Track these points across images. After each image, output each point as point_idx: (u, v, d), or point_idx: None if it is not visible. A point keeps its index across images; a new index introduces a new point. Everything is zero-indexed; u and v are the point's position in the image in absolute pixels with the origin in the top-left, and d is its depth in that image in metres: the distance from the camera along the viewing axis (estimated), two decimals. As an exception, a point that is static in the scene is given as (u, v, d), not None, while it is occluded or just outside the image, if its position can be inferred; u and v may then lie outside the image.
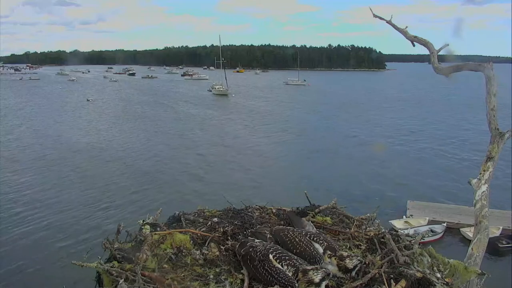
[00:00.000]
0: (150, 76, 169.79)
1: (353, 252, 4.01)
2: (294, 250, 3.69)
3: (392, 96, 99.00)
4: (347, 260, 3.56)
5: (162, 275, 3.56)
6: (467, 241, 18.85)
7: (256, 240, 3.92)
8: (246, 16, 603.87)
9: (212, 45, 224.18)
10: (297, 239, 3.79)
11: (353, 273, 3.57)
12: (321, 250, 3.69)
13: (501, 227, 23.09)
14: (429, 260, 3.95)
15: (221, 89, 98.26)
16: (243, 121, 63.02)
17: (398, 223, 23.22)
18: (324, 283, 3.28)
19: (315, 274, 3.27)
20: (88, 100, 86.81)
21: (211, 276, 3.64)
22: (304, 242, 3.75)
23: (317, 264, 3.52)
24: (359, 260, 3.59)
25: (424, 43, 6.03)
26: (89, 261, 3.65)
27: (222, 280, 3.59)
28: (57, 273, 18.12)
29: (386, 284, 3.47)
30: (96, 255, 3.77)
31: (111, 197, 28.66)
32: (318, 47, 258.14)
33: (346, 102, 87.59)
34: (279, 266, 3.39)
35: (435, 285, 3.52)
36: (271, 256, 3.46)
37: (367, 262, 3.78)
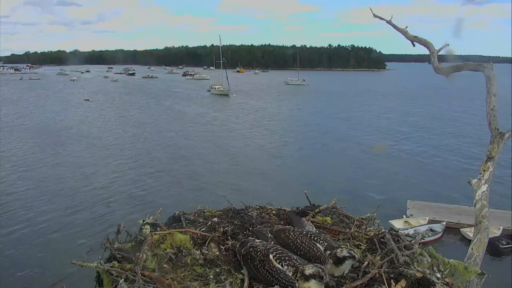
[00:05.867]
0: (150, 76, 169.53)
1: (348, 247, 4.01)
2: (298, 252, 3.67)
3: (391, 95, 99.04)
4: (338, 250, 3.58)
5: (162, 275, 3.56)
6: (467, 241, 18.87)
7: (257, 240, 3.92)
8: (246, 16, 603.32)
9: (212, 45, 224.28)
10: (298, 240, 3.79)
11: (345, 263, 3.55)
12: (322, 250, 3.69)
13: (501, 227, 23.10)
14: (429, 260, 3.95)
15: (221, 89, 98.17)
16: (243, 120, 63.06)
17: (398, 223, 23.21)
18: (314, 281, 3.21)
19: (308, 268, 3.25)
20: (86, 100, 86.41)
21: (211, 276, 3.64)
22: (307, 243, 3.74)
23: (322, 265, 3.49)
24: (349, 252, 3.57)
25: (424, 43, 6.05)
26: (89, 261, 3.65)
27: (222, 280, 3.58)
28: (57, 273, 18.12)
29: (386, 284, 3.46)
30: (96, 255, 3.77)
31: (111, 197, 28.65)
32: (318, 47, 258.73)
33: (345, 101, 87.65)
34: (279, 266, 3.39)
35: (435, 285, 3.52)
36: (271, 256, 3.45)
37: (367, 262, 3.79)
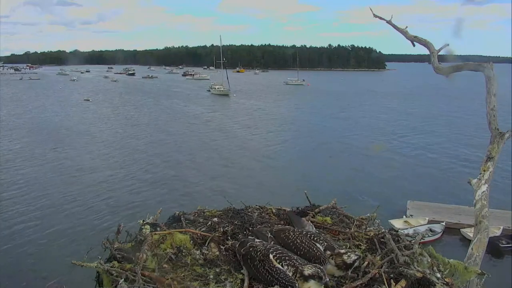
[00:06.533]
0: (150, 76, 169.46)
1: (349, 249, 4.01)
2: (298, 252, 3.67)
3: (391, 95, 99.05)
4: (345, 257, 3.56)
5: (162, 275, 3.56)
6: (467, 241, 18.85)
7: (256, 240, 3.92)
8: (246, 16, 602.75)
9: (212, 45, 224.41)
10: (298, 240, 3.79)
11: (353, 268, 3.57)
12: (322, 250, 3.69)
13: (501, 227, 23.10)
14: (429, 260, 3.95)
15: (221, 89, 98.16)
16: (243, 120, 63.09)
17: (397, 223, 23.22)
18: (313, 281, 3.22)
19: (307, 268, 3.25)
20: (86, 100, 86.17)
21: (211, 276, 3.64)
22: (306, 243, 3.74)
23: (322, 264, 3.50)
24: (357, 255, 3.60)
25: (424, 43, 6.05)
26: (89, 261, 3.65)
27: (222, 280, 3.59)
28: (57, 273, 18.11)
29: (386, 284, 3.46)
30: (96, 255, 3.77)
31: (111, 197, 28.66)
32: (318, 47, 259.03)
33: (345, 101, 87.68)
34: (279, 266, 3.39)
35: (435, 285, 3.52)
36: (271, 256, 3.45)
37: (367, 262, 3.79)
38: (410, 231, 16.34)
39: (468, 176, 5.38)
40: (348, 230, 4.58)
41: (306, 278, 3.22)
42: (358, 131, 53.97)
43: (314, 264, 3.34)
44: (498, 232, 22.58)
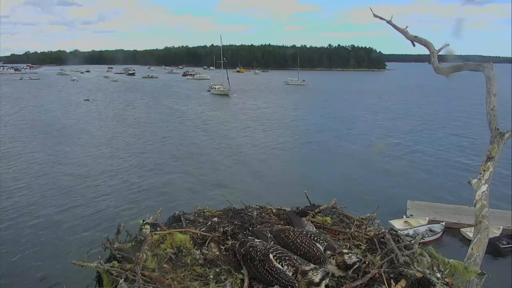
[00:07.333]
0: (150, 76, 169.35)
1: (352, 250, 4.02)
2: (298, 252, 3.68)
3: (391, 95, 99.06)
4: (346, 257, 3.58)
5: (162, 275, 3.56)
6: (467, 241, 18.84)
7: (256, 240, 3.92)
8: (246, 16, 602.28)
9: (212, 45, 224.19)
10: (298, 240, 3.80)
11: (353, 270, 3.58)
12: (322, 250, 3.70)
13: (501, 227, 23.08)
14: (429, 260, 3.95)
15: (222, 89, 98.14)
16: (243, 120, 63.08)
17: (397, 223, 23.20)
18: (324, 282, 3.28)
19: (315, 274, 3.27)
20: (85, 99, 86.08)
21: (211, 276, 3.64)
22: (306, 243, 3.75)
23: (322, 264, 3.52)
24: (358, 257, 3.61)
25: (424, 43, 6.05)
26: (89, 261, 3.66)
27: (222, 280, 3.59)
28: (57, 273, 18.12)
29: (386, 284, 3.47)
30: (96, 255, 3.77)
31: (110, 197, 28.65)
32: (318, 47, 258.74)
33: (344, 101, 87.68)
34: (279, 266, 3.39)
35: (435, 285, 3.52)
36: (271, 256, 3.46)
37: (367, 262, 3.79)
38: (410, 232, 16.33)
39: (468, 176, 5.39)
40: (348, 230, 4.59)
41: (319, 284, 3.27)
42: (358, 131, 53.97)
43: (314, 267, 3.36)
44: (498, 232, 22.56)
